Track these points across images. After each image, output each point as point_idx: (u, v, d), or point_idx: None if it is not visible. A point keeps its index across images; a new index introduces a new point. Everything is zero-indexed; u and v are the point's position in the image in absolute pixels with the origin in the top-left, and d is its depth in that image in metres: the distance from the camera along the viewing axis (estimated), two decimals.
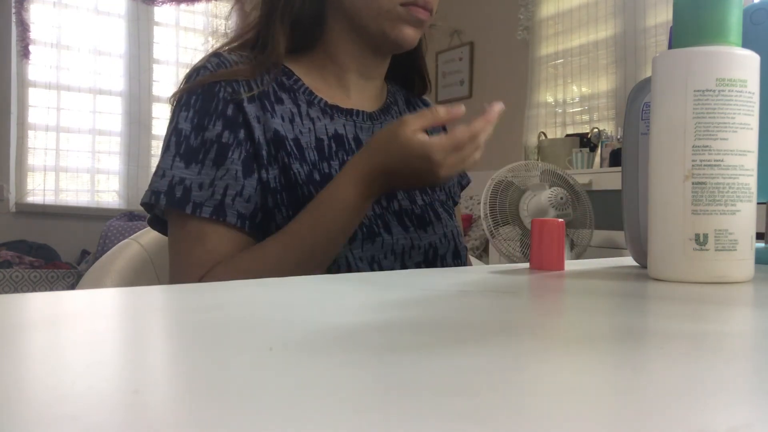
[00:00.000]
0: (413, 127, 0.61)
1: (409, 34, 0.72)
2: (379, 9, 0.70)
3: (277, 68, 0.72)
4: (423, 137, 0.61)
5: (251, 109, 0.68)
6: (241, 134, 0.67)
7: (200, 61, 0.71)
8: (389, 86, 0.84)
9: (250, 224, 0.66)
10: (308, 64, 0.76)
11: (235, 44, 0.74)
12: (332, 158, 0.71)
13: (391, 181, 0.64)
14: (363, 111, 0.77)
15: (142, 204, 0.67)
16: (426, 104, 0.89)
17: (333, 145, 0.72)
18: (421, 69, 0.85)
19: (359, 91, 0.78)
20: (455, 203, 0.89)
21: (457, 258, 0.78)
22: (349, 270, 0.68)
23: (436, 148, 0.61)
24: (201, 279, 0.65)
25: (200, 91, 0.67)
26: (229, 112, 0.67)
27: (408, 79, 0.86)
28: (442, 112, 0.63)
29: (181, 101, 0.68)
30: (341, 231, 0.64)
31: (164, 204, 0.65)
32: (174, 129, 0.67)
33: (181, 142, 0.66)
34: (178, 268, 0.67)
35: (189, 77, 0.70)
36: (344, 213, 0.63)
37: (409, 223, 0.74)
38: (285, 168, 0.68)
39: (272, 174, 0.68)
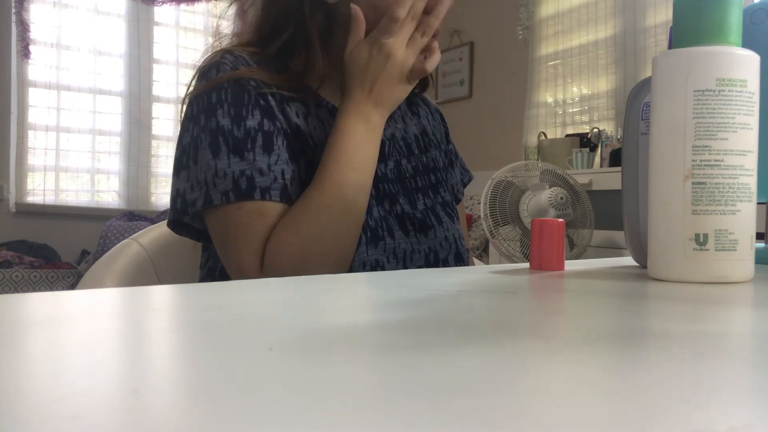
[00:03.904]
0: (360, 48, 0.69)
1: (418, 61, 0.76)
2: None
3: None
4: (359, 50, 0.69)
5: (273, 103, 0.69)
6: (278, 123, 0.68)
7: (213, 58, 0.70)
8: None
9: None
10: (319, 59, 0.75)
11: (249, 45, 0.74)
12: None
13: (366, 85, 0.68)
14: None
15: (196, 211, 0.65)
16: (426, 102, 0.89)
17: None
18: None
19: None
20: (458, 201, 0.89)
21: (460, 261, 0.78)
22: (352, 271, 0.68)
23: (365, 46, 0.69)
24: (264, 252, 0.64)
25: (227, 86, 0.67)
26: (262, 101, 0.68)
27: None
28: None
29: (212, 100, 0.66)
30: (363, 159, 0.67)
31: (234, 199, 0.63)
32: (218, 128, 0.65)
33: (228, 139, 0.65)
34: (233, 250, 0.65)
35: (205, 74, 0.69)
36: (355, 140, 0.67)
37: (410, 227, 0.74)
38: (310, 162, 0.69)
39: (302, 165, 0.69)
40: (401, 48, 0.68)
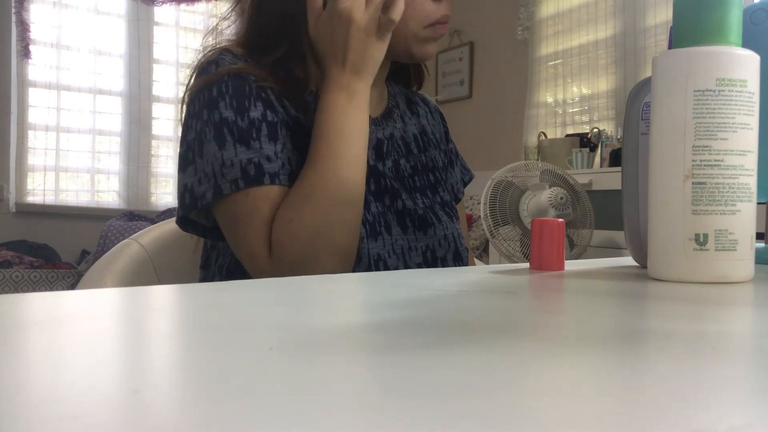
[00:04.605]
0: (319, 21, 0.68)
1: (432, 50, 0.76)
2: (407, 34, 0.72)
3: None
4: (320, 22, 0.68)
5: (273, 97, 0.69)
6: (280, 115, 0.68)
7: (210, 55, 0.70)
8: (390, 89, 0.84)
9: None
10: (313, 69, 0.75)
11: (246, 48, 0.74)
12: None
13: (338, 57, 0.67)
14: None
15: (205, 203, 0.65)
16: (426, 102, 0.89)
17: None
18: None
19: None
20: (458, 200, 0.89)
21: (459, 260, 0.78)
22: (360, 262, 0.68)
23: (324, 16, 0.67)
24: (271, 234, 0.64)
25: (227, 78, 0.67)
26: (263, 94, 0.68)
27: (404, 69, 0.86)
28: None
29: (213, 93, 0.66)
30: (351, 129, 0.66)
31: (243, 187, 0.63)
32: (221, 120, 0.65)
33: (233, 130, 0.65)
34: (245, 233, 0.65)
35: (204, 70, 0.69)
36: (338, 112, 0.66)
37: (409, 224, 0.74)
38: None
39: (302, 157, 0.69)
40: (360, 9, 0.66)
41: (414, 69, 0.86)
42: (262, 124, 0.66)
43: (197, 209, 0.67)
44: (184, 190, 0.67)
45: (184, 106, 0.70)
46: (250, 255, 0.65)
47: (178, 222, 0.70)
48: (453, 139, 0.92)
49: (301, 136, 0.70)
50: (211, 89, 0.67)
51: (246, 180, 0.64)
